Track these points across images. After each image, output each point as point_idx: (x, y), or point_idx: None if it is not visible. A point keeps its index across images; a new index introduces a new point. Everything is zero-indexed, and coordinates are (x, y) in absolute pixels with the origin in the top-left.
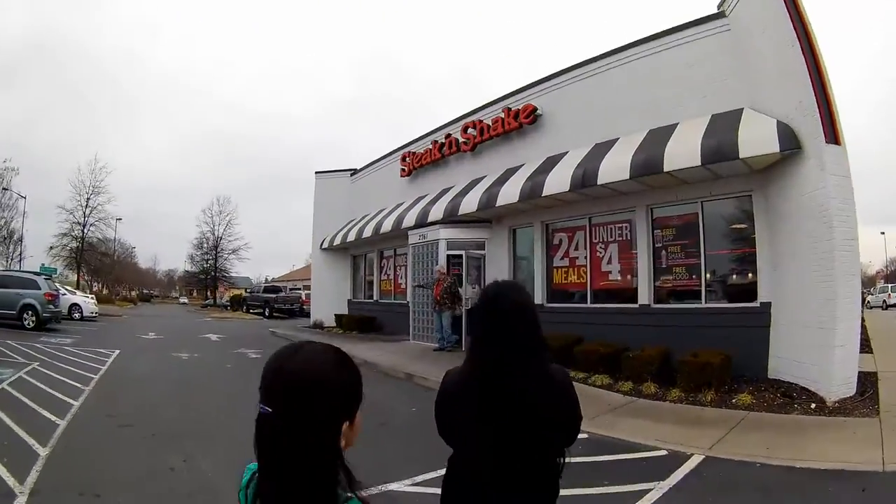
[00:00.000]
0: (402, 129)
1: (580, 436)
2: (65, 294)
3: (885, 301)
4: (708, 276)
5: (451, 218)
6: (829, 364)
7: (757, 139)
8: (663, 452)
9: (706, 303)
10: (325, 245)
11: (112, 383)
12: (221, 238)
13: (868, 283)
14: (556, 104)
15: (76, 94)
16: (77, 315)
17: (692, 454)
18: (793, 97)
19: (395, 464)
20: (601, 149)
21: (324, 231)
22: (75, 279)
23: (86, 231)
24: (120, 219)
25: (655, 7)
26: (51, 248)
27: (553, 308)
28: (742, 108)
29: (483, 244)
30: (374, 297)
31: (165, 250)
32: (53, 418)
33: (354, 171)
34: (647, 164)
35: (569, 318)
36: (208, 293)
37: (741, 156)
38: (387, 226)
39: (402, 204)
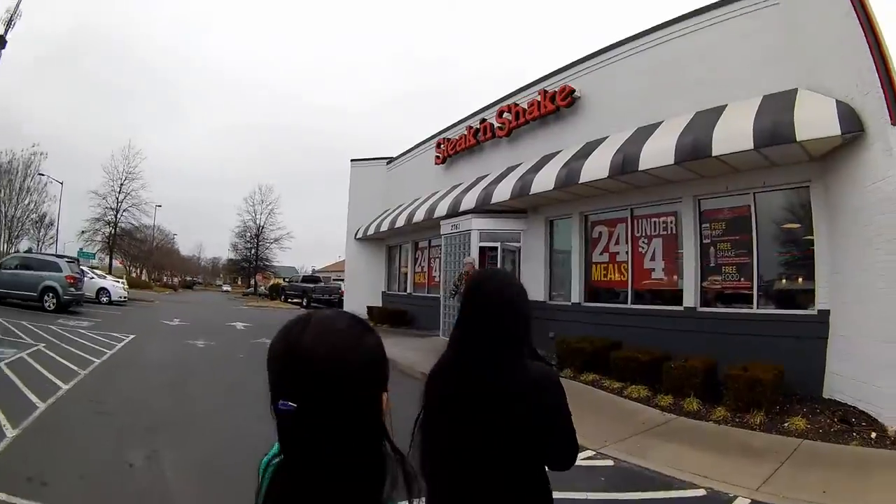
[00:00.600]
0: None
1: (604, 463)
2: (92, 278)
3: None
4: (760, 277)
5: (485, 207)
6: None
7: (815, 120)
8: (701, 492)
9: (758, 308)
10: (360, 235)
11: (111, 369)
12: (263, 227)
13: None
14: (595, 86)
15: (121, 86)
16: (105, 299)
17: (736, 496)
18: (852, 75)
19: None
20: (643, 132)
21: (358, 221)
22: (115, 266)
23: (119, 216)
24: (160, 205)
25: None
26: (82, 232)
27: (590, 308)
28: (796, 89)
29: (518, 236)
30: (408, 290)
31: (211, 238)
32: (35, 400)
33: (391, 160)
34: (694, 148)
35: (606, 320)
36: (250, 282)
37: (798, 138)
38: (419, 215)
39: (436, 193)
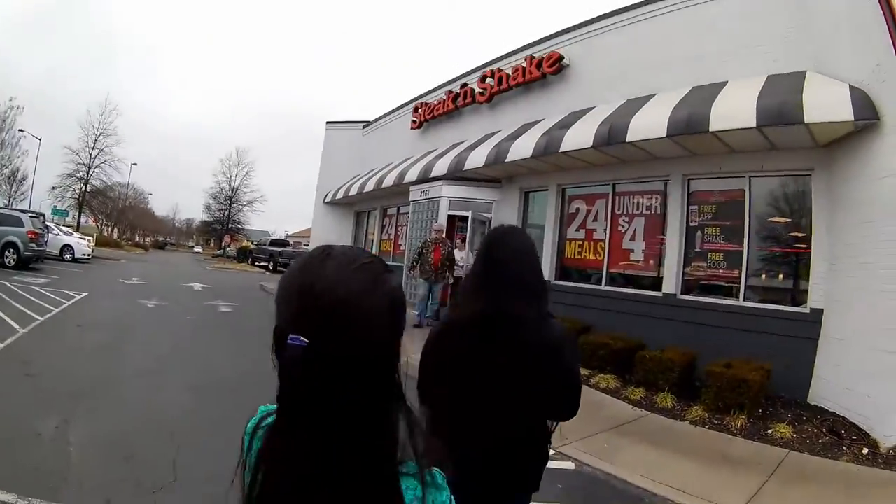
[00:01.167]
0: None
1: (564, 466)
2: (57, 234)
3: None
4: (750, 268)
5: (457, 174)
6: (892, 400)
7: (826, 104)
8: None
9: (744, 301)
10: (329, 199)
11: (53, 328)
12: (237, 189)
13: None
14: (585, 55)
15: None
16: (68, 256)
17: None
18: (868, 59)
19: None
20: (634, 104)
21: (330, 184)
22: (85, 221)
23: (90, 173)
24: (135, 163)
25: None
26: (52, 188)
27: (560, 287)
28: (805, 71)
29: (490, 206)
30: None
31: (188, 199)
32: None
33: (367, 124)
34: (690, 121)
35: (578, 301)
36: (220, 243)
37: (806, 120)
38: (389, 180)
39: (409, 158)
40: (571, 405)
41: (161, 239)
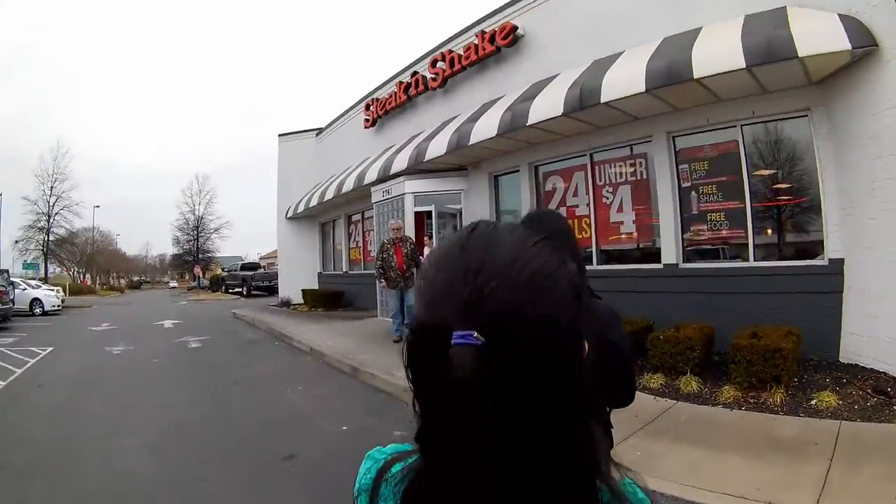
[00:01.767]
0: None
1: None
2: (25, 289)
3: None
4: (756, 224)
5: (419, 167)
6: None
7: (819, 34)
8: None
9: (755, 261)
10: (290, 214)
11: (16, 390)
12: (202, 217)
13: None
14: (541, 22)
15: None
16: (38, 310)
17: None
18: None
19: None
20: (603, 64)
21: (290, 199)
22: (58, 273)
23: (51, 221)
24: (98, 206)
25: None
26: (16, 242)
27: None
28: (784, 7)
29: (458, 197)
30: (344, 269)
31: (158, 235)
32: None
33: (320, 131)
34: (671, 70)
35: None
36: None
37: (800, 54)
38: (349, 184)
39: (367, 159)
40: (628, 389)
41: (136, 279)
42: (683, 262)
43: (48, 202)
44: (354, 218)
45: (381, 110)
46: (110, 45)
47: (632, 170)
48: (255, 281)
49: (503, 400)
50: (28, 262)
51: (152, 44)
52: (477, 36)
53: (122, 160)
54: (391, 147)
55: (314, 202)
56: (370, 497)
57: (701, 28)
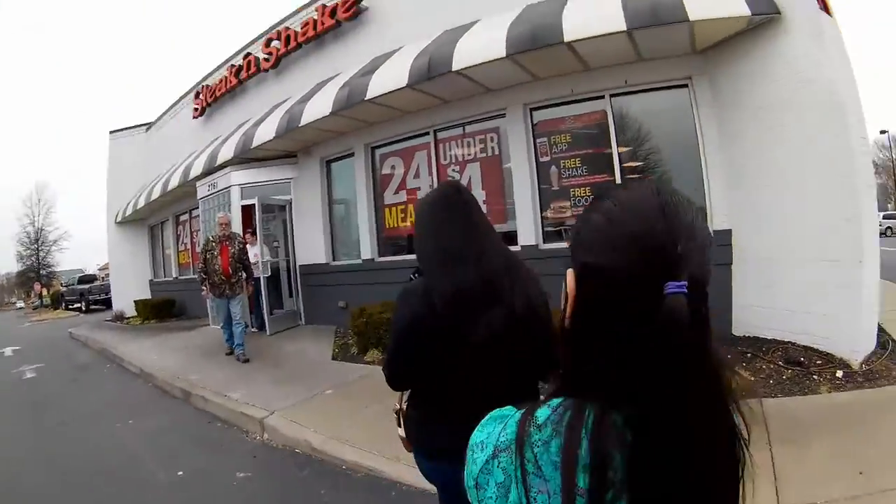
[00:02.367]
0: None
1: None
2: None
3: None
4: None
5: (246, 155)
6: (856, 313)
7: None
8: None
9: None
10: (119, 218)
11: None
12: (42, 230)
13: None
14: None
15: None
16: None
17: None
18: None
19: None
20: (455, 33)
21: (120, 201)
22: None
23: None
24: None
25: None
26: None
27: (387, 263)
28: None
29: (288, 187)
30: (174, 275)
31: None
32: None
33: (150, 125)
34: (536, 34)
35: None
36: (36, 292)
37: (691, 17)
38: (174, 181)
39: (194, 152)
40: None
41: None
42: (544, 242)
43: None
44: (182, 218)
45: (211, 97)
46: None
47: (481, 146)
48: (93, 294)
49: (702, 343)
50: None
51: None
52: (317, 10)
53: None
54: (218, 137)
55: (141, 203)
56: (517, 448)
57: None
